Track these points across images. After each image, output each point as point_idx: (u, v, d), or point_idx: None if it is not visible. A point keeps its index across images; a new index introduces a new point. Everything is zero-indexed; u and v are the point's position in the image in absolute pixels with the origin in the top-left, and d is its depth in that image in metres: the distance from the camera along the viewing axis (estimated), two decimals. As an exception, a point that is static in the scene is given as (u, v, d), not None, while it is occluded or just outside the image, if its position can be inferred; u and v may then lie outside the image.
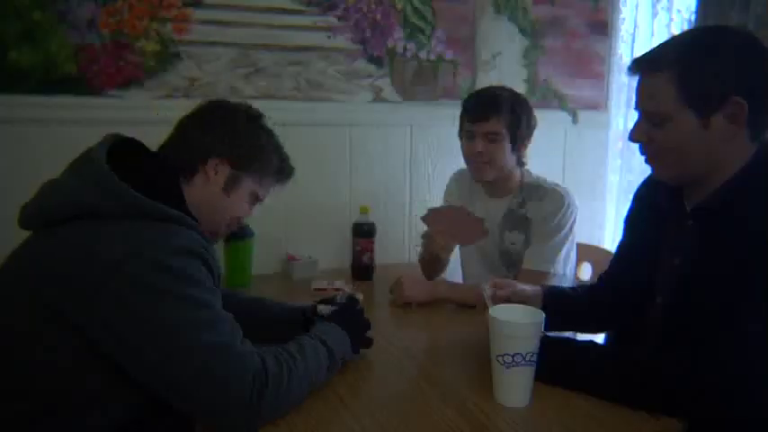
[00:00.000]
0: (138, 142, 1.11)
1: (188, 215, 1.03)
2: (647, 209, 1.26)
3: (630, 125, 1.13)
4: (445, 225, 1.61)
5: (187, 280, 0.93)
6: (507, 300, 1.22)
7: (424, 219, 1.64)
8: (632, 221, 1.32)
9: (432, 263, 1.76)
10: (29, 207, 1.01)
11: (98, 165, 0.98)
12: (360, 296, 1.63)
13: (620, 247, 1.35)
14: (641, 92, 1.08)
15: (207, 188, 1.12)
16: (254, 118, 1.19)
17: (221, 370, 0.90)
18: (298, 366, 0.99)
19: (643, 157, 1.13)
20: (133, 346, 0.90)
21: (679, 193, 1.16)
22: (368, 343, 1.23)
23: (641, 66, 1.07)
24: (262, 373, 0.93)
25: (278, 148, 1.21)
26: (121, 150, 1.05)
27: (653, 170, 1.14)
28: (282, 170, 1.22)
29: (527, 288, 1.30)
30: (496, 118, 1.61)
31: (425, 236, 1.65)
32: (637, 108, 1.10)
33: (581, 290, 1.39)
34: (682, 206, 1.14)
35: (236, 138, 1.13)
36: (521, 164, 1.72)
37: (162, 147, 1.14)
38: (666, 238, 1.17)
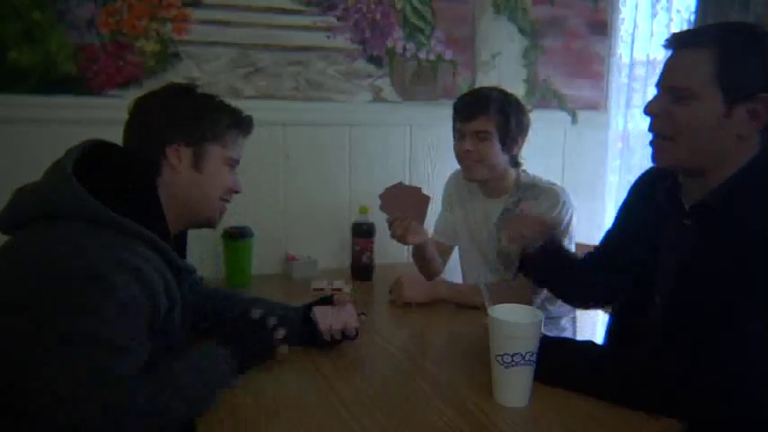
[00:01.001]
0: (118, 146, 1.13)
1: (160, 215, 1.05)
2: (645, 203, 1.24)
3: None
4: (397, 205, 1.60)
5: (101, 292, 0.89)
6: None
7: (381, 207, 1.63)
8: (627, 210, 1.31)
9: (418, 257, 1.77)
10: (2, 211, 1.03)
11: (61, 169, 0.99)
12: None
13: (608, 233, 1.35)
14: (675, 65, 1.05)
15: (178, 175, 1.11)
16: (185, 91, 1.17)
17: (86, 391, 0.84)
18: (165, 396, 0.92)
19: (650, 137, 1.10)
20: (28, 343, 0.87)
21: (677, 191, 1.15)
22: (266, 356, 1.18)
23: (683, 39, 1.05)
24: (126, 406, 0.86)
25: (221, 107, 1.19)
26: (104, 153, 1.07)
27: (656, 154, 1.10)
28: (238, 122, 1.20)
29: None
30: (485, 117, 1.61)
31: (388, 222, 1.62)
32: (660, 84, 1.07)
33: (575, 258, 1.41)
34: (680, 204, 1.14)
35: (178, 118, 1.12)
36: (516, 164, 1.72)
37: (125, 150, 1.14)
38: (664, 236, 1.17)
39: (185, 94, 1.17)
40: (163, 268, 1.01)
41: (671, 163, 1.10)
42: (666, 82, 1.06)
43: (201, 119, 1.14)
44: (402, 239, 1.60)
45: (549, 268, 1.36)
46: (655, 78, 1.11)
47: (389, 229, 1.61)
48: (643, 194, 1.27)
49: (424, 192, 1.60)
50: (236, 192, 1.23)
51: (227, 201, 1.22)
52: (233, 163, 1.20)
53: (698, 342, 1.02)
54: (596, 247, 1.39)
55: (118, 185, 1.03)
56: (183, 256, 1.19)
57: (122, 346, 0.90)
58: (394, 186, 1.62)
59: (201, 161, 1.13)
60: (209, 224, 1.22)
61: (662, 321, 1.14)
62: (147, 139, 1.11)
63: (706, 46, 1.00)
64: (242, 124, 1.21)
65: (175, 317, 1.06)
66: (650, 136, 1.10)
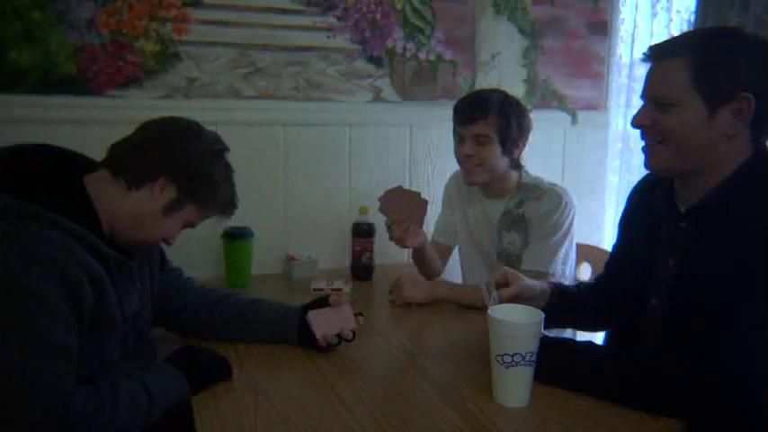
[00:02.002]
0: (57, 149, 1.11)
1: (85, 205, 1.02)
2: (641, 209, 1.26)
3: (630, 126, 1.13)
4: (396, 207, 1.60)
5: (23, 291, 0.87)
6: (515, 297, 1.20)
7: (380, 209, 1.64)
8: (626, 222, 1.33)
9: (417, 258, 1.78)
10: None
11: None
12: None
13: (615, 248, 1.36)
14: (654, 76, 1.08)
15: (146, 204, 1.09)
16: (218, 151, 1.17)
17: (11, 393, 0.84)
18: (105, 414, 0.91)
19: (642, 144, 1.12)
20: None
21: (672, 193, 1.16)
22: (222, 376, 1.14)
23: (658, 51, 1.08)
24: (60, 410, 0.86)
25: (230, 186, 1.19)
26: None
27: (649, 159, 1.12)
28: (227, 208, 1.20)
29: (536, 285, 1.28)
30: (484, 120, 1.60)
31: (386, 225, 1.63)
32: (644, 95, 1.10)
33: (584, 287, 1.39)
34: (675, 207, 1.15)
35: (193, 165, 1.11)
36: (516, 166, 1.70)
37: (117, 144, 1.12)
38: (661, 239, 1.17)
39: (216, 152, 1.16)
40: (83, 257, 0.95)
41: (663, 166, 1.11)
42: (648, 93, 1.09)
43: (209, 182, 1.14)
44: (401, 242, 1.60)
45: (557, 318, 1.30)
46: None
47: (388, 231, 1.61)
48: (640, 202, 1.28)
49: (423, 195, 1.61)
50: (167, 243, 1.19)
51: (150, 247, 1.21)
52: (189, 227, 1.19)
53: (696, 342, 1.03)
54: (605, 265, 1.38)
55: (38, 178, 1.00)
56: (130, 251, 1.13)
57: (50, 345, 0.88)
58: (393, 189, 1.62)
59: (174, 209, 1.12)
60: (133, 250, 1.15)
61: (659, 322, 1.15)
62: (155, 154, 1.10)
63: (680, 54, 1.03)
64: (227, 212, 1.21)
65: (112, 307, 1.01)
66: (643, 143, 1.12)
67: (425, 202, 1.61)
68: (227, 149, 1.19)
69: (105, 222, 1.06)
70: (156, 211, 1.10)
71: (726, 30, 1.13)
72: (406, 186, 1.86)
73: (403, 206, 1.60)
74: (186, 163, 1.11)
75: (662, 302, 1.15)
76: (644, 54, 1.10)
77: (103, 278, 0.98)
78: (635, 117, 1.10)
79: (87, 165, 1.12)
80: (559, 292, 1.32)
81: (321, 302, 1.31)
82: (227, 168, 1.18)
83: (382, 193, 1.61)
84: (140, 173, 1.09)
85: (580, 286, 1.40)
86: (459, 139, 1.66)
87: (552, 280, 1.62)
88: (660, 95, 1.06)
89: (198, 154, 1.12)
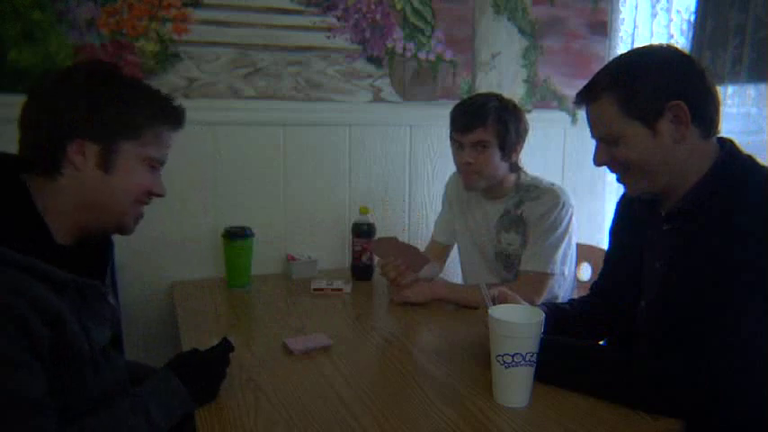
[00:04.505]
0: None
1: (31, 223, 0.89)
2: (628, 219, 1.30)
3: (593, 165, 1.19)
4: (392, 254, 1.64)
5: None
6: None
7: (373, 249, 1.70)
8: (616, 232, 1.36)
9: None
10: None
11: None
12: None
13: (607, 258, 1.38)
14: (590, 120, 1.15)
15: (81, 178, 0.92)
16: (98, 73, 0.96)
17: None
18: None
19: (615, 177, 1.17)
20: None
21: (654, 201, 1.19)
22: (211, 395, 1.06)
23: (583, 98, 1.15)
24: None
25: (141, 95, 0.98)
26: None
27: (627, 189, 1.18)
28: (164, 114, 0.99)
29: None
30: (483, 128, 1.60)
31: (379, 265, 1.68)
32: (592, 136, 1.16)
33: (577, 303, 1.39)
34: (658, 212, 1.18)
35: (83, 108, 0.92)
36: (514, 169, 1.71)
37: (20, 149, 0.95)
38: (647, 243, 1.21)
39: (94, 76, 0.95)
40: (35, 293, 0.81)
41: (641, 190, 1.16)
42: (595, 134, 1.15)
43: (112, 109, 0.93)
44: (394, 282, 1.63)
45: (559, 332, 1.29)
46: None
47: (381, 273, 1.66)
48: (627, 210, 1.32)
49: (422, 251, 1.66)
50: (158, 195, 1.02)
51: (145, 203, 1.03)
52: (154, 163, 1.00)
53: (683, 342, 1.04)
54: (600, 274, 1.40)
55: None
56: (103, 266, 1.02)
57: (22, 404, 0.78)
58: (394, 240, 1.66)
59: (111, 161, 0.94)
60: (122, 231, 1.01)
61: (648, 323, 1.17)
62: (45, 131, 0.92)
63: (602, 94, 1.09)
64: (169, 117, 1.00)
65: (75, 340, 0.86)
66: (615, 177, 1.18)
67: (426, 259, 1.65)
68: (112, 65, 1.01)
69: (63, 230, 0.93)
70: (96, 175, 0.93)
71: (633, 53, 1.19)
72: (406, 187, 1.87)
73: (398, 254, 1.63)
74: (76, 110, 0.91)
75: (649, 304, 1.18)
76: (573, 102, 1.18)
77: (60, 313, 0.83)
78: (594, 157, 1.16)
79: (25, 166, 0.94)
80: (552, 311, 1.31)
81: (187, 357, 1.09)
82: (126, 83, 0.97)
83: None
84: (47, 154, 0.91)
85: (573, 303, 1.41)
86: (458, 147, 1.66)
87: (552, 280, 1.63)
88: (604, 134, 1.12)
89: (81, 91, 0.92)
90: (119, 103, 0.94)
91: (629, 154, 1.09)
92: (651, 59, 1.10)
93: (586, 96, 1.13)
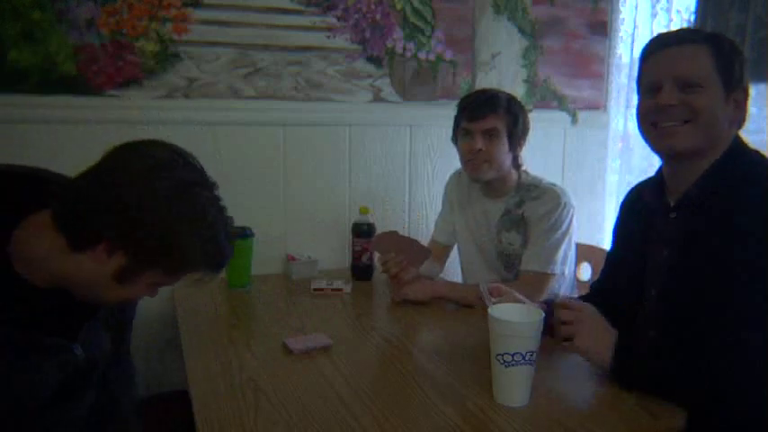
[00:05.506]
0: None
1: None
2: (634, 214, 1.30)
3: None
4: (393, 249, 1.64)
5: None
6: None
7: (374, 246, 1.68)
8: (620, 229, 1.36)
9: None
10: None
11: None
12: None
13: (610, 254, 1.38)
14: (678, 59, 1.11)
15: (94, 269, 0.85)
16: (180, 186, 0.84)
17: None
18: None
19: (667, 126, 1.11)
20: None
21: (661, 189, 1.21)
22: None
23: (681, 36, 1.15)
24: None
25: (204, 240, 0.87)
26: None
27: (671, 139, 1.11)
28: (210, 265, 0.90)
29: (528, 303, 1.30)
30: (495, 114, 1.63)
31: (380, 261, 1.68)
32: (662, 77, 1.11)
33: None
34: (665, 201, 1.19)
35: (146, 233, 0.82)
36: (516, 166, 1.72)
37: (75, 180, 0.86)
38: (654, 232, 1.21)
39: (173, 191, 0.84)
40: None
41: (689, 144, 1.11)
42: (674, 74, 1.11)
43: (165, 243, 0.84)
44: (396, 278, 1.62)
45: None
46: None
47: (382, 270, 1.65)
48: (631, 207, 1.33)
49: (424, 243, 1.65)
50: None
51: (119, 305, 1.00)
52: (163, 286, 0.93)
53: (692, 330, 1.05)
54: (601, 272, 1.40)
55: None
56: (81, 320, 0.95)
57: None
58: (394, 233, 1.66)
59: (128, 278, 0.86)
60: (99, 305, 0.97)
61: (658, 312, 1.17)
62: (95, 209, 0.82)
63: (703, 42, 1.11)
64: (210, 266, 0.90)
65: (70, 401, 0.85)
66: (661, 124, 1.13)
67: (427, 251, 1.65)
68: (203, 180, 0.90)
69: (41, 279, 0.86)
70: (108, 278, 0.85)
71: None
72: (406, 187, 1.87)
73: (399, 248, 1.63)
74: (127, 220, 0.82)
75: (657, 293, 1.18)
76: (661, 40, 1.16)
77: (37, 369, 0.81)
78: (660, 99, 1.11)
79: (37, 195, 0.87)
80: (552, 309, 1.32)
81: None
82: (201, 208, 0.86)
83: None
84: (80, 233, 0.83)
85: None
86: (468, 135, 1.67)
87: (552, 280, 1.63)
88: (689, 75, 1.10)
89: (145, 202, 0.82)
90: (176, 250, 0.85)
91: (706, 102, 1.09)
92: (737, 47, 1.15)
93: (683, 36, 1.15)
